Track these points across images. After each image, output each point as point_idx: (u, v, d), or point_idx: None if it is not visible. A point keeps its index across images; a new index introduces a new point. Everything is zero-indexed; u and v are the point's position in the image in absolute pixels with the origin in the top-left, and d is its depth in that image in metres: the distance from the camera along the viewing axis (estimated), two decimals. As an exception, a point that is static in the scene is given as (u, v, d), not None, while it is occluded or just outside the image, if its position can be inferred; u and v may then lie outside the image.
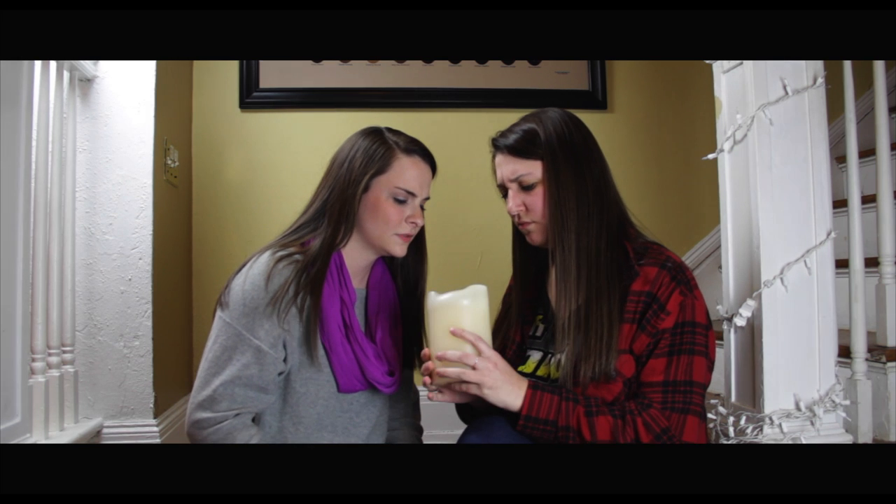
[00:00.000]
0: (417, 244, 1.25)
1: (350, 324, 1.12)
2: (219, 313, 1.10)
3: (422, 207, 1.19)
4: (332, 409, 1.14)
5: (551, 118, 1.12)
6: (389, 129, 1.19)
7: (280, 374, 1.10)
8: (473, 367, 0.99)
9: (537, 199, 1.10)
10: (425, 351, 1.06)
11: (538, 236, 1.14)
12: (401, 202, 1.14)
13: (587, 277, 1.06)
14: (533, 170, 1.10)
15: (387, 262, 1.26)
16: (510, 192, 1.13)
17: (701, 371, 1.04)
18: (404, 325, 1.25)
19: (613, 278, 1.06)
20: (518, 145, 1.11)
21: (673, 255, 1.09)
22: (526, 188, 1.11)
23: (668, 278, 1.05)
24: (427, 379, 1.04)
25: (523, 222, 1.14)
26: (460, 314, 1.02)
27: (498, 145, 1.15)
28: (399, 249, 1.16)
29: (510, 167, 1.12)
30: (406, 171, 1.14)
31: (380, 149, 1.14)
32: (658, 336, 1.03)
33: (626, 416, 1.00)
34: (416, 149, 1.17)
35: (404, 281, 1.27)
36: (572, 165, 1.10)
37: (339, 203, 1.13)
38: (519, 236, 1.20)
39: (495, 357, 1.00)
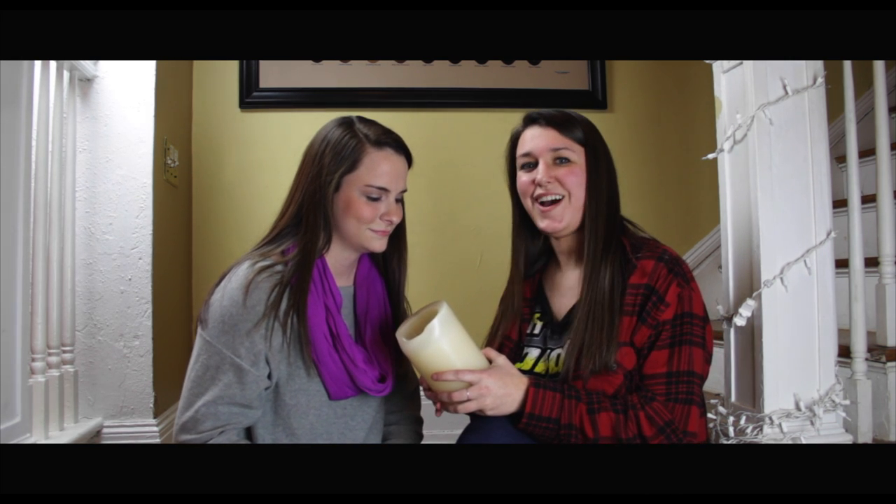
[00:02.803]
0: (398, 240, 1.20)
1: (337, 332, 1.08)
2: (199, 331, 1.06)
3: (400, 201, 1.15)
4: (325, 418, 1.10)
5: (582, 118, 1.17)
6: (361, 119, 1.13)
7: (266, 388, 1.07)
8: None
9: (570, 175, 1.12)
10: (423, 382, 1.06)
11: (560, 211, 1.12)
12: (374, 199, 1.09)
13: (608, 266, 1.08)
14: (573, 147, 1.13)
15: (372, 256, 1.23)
16: (541, 163, 1.13)
17: (699, 362, 1.05)
18: (395, 322, 1.20)
19: (618, 272, 1.08)
20: (561, 120, 1.14)
21: (669, 248, 1.11)
22: (561, 161, 1.12)
23: (666, 270, 1.06)
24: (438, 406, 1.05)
25: (548, 192, 1.12)
26: (438, 350, 0.98)
27: (534, 117, 1.16)
28: (378, 244, 1.12)
29: (549, 137, 1.13)
30: (377, 166, 1.08)
31: (349, 143, 1.08)
32: (659, 328, 1.04)
33: (629, 411, 1.00)
34: (388, 140, 1.10)
35: (388, 280, 1.23)
36: (605, 160, 1.15)
37: (313, 207, 1.08)
38: (521, 233, 1.20)
39: (486, 378, 0.99)
